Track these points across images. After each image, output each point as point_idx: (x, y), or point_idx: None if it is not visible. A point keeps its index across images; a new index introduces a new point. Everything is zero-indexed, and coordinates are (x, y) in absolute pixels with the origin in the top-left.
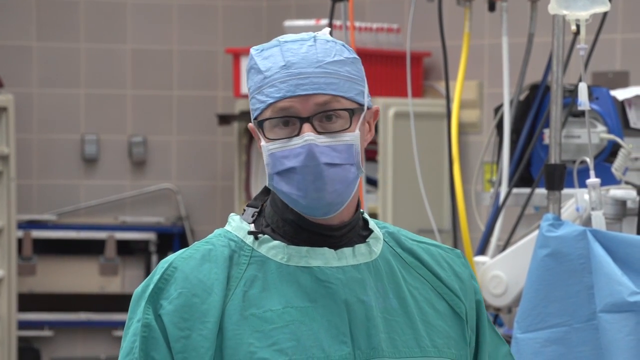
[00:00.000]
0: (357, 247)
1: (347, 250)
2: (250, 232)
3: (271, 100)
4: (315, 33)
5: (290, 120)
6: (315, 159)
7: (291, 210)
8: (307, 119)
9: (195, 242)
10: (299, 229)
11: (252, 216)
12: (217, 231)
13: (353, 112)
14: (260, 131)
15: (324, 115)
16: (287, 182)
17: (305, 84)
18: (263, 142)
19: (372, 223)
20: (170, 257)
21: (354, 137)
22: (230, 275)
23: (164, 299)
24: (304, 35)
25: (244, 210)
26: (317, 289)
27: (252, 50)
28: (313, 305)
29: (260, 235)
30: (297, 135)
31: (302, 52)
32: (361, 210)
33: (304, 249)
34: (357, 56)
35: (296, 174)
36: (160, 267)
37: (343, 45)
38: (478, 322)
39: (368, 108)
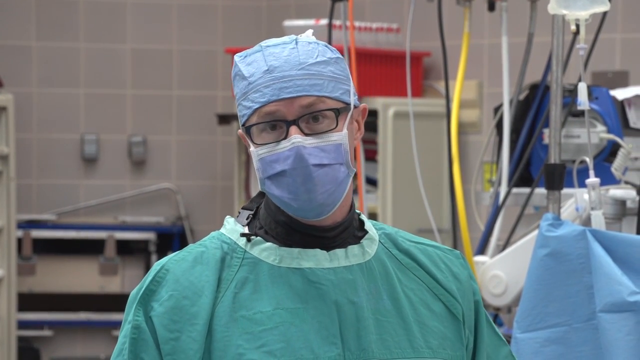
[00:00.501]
0: (349, 249)
1: (339, 252)
2: (242, 234)
3: (256, 106)
4: (298, 35)
5: (276, 124)
6: (304, 160)
7: (283, 211)
8: (293, 122)
9: (189, 245)
10: (291, 231)
11: (247, 218)
12: (212, 234)
13: (339, 112)
14: (248, 137)
15: (310, 116)
16: (278, 185)
17: (289, 86)
18: (252, 148)
19: (368, 224)
20: (164, 260)
21: (341, 136)
22: (222, 277)
23: (155, 301)
24: (285, 38)
25: (239, 212)
26: (308, 290)
27: (236, 57)
28: (304, 307)
29: (252, 237)
30: (285, 138)
31: (284, 56)
32: (358, 211)
33: (296, 250)
34: (340, 55)
35: (286, 177)
36: (153, 270)
37: (326, 46)
38: (476, 322)
39: (355, 106)
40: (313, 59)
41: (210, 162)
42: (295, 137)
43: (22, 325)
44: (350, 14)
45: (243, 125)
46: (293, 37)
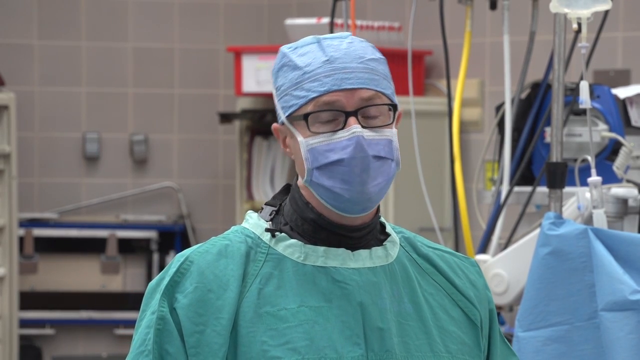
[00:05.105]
0: (374, 250)
1: (363, 252)
2: (267, 230)
3: (314, 95)
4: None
5: (333, 115)
6: (364, 150)
7: (312, 209)
8: (353, 113)
9: (212, 238)
10: (319, 228)
11: (270, 214)
12: (234, 227)
13: (394, 108)
14: (301, 125)
15: (366, 110)
16: (330, 176)
17: (351, 78)
18: (300, 138)
19: (389, 227)
20: (187, 251)
21: (393, 133)
22: (246, 271)
23: (179, 293)
24: (339, 34)
25: (262, 208)
26: (333, 290)
27: (285, 49)
28: (328, 306)
29: (277, 233)
30: (342, 128)
31: (344, 48)
32: (379, 214)
33: (321, 248)
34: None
35: (342, 167)
36: (176, 261)
37: (373, 47)
38: (490, 331)
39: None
40: (369, 55)
41: (212, 161)
42: (356, 127)
43: (24, 323)
44: (352, 12)
45: (290, 115)
46: (347, 33)
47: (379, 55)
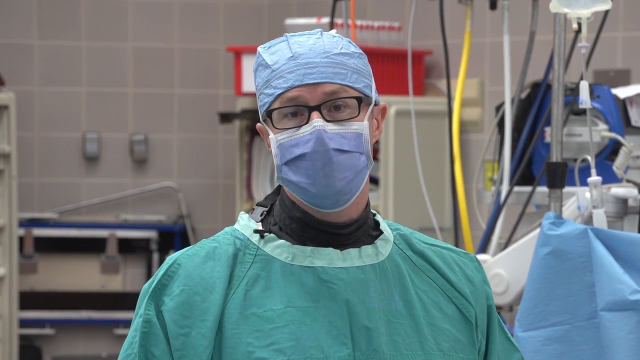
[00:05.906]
0: (363, 249)
1: (353, 251)
2: (256, 231)
3: (279, 91)
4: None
5: (298, 110)
6: (324, 144)
7: (298, 207)
8: (316, 108)
9: (202, 240)
10: (306, 227)
11: (261, 215)
12: (225, 229)
13: (361, 100)
14: (269, 123)
15: (332, 104)
16: (296, 171)
17: (313, 73)
18: (271, 135)
19: (383, 224)
20: (176, 254)
21: (362, 126)
22: (233, 273)
23: (166, 295)
24: (312, 31)
25: (253, 209)
26: (320, 289)
27: (260, 48)
28: (315, 306)
29: (266, 233)
30: (306, 123)
31: (309, 44)
32: (374, 211)
33: (309, 248)
34: (363, 52)
35: (305, 161)
36: (165, 264)
37: (349, 42)
38: (488, 327)
39: (376, 104)
40: (337, 50)
41: (211, 161)
42: (317, 121)
43: (24, 323)
44: (352, 12)
45: (264, 112)
46: (319, 30)
47: (353, 49)
